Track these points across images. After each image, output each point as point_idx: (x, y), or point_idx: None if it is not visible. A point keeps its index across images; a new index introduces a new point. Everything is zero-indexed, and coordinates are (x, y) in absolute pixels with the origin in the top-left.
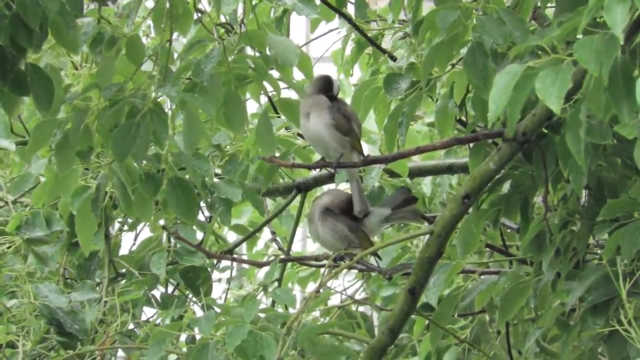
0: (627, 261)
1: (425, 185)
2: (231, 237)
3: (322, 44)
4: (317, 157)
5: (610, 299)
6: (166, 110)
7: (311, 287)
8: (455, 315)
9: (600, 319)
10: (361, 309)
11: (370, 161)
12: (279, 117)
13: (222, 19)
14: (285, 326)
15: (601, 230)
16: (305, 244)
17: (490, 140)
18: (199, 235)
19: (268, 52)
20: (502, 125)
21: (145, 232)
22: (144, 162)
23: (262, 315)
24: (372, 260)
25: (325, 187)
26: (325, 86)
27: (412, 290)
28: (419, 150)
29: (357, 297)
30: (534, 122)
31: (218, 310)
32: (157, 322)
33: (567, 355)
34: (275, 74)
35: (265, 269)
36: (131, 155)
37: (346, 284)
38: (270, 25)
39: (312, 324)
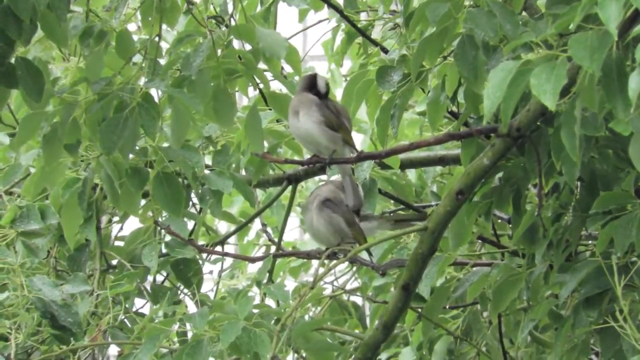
0: (620, 254)
1: (411, 172)
2: (222, 226)
3: (315, 34)
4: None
5: (603, 292)
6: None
7: (303, 277)
8: (447, 307)
9: (594, 312)
10: (353, 298)
11: (364, 157)
12: (270, 109)
13: (212, 10)
14: (280, 323)
15: (594, 223)
16: (296, 233)
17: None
18: (190, 226)
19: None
20: (495, 119)
21: (132, 220)
22: (131, 155)
23: (255, 311)
24: (364, 254)
25: (317, 179)
26: (312, 84)
27: (406, 286)
28: (412, 146)
29: (348, 286)
30: (528, 118)
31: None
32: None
33: (560, 348)
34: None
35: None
36: (118, 149)
37: (337, 274)
38: (258, 18)
39: (303, 317)
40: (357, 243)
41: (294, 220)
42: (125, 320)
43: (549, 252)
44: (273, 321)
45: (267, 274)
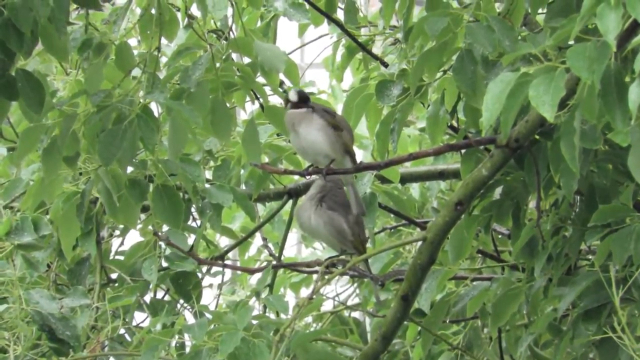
0: (618, 267)
1: (414, 189)
2: (224, 242)
3: (314, 49)
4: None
5: (602, 305)
6: (156, 115)
7: (304, 292)
8: (447, 322)
9: (593, 325)
10: (354, 314)
11: (363, 168)
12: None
13: (213, 24)
14: (278, 333)
15: (592, 236)
16: (299, 248)
17: (482, 147)
18: (191, 240)
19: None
20: (494, 131)
21: (132, 234)
22: (130, 167)
23: (254, 322)
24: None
25: None
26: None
27: (405, 296)
28: (411, 157)
29: (350, 302)
30: (527, 129)
31: (210, 316)
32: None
33: None
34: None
35: (258, 274)
36: (116, 161)
37: (339, 289)
38: (257, 32)
39: (304, 330)
40: (356, 250)
41: (294, 236)
42: (126, 334)
43: (549, 265)
44: (272, 332)
45: (268, 288)
